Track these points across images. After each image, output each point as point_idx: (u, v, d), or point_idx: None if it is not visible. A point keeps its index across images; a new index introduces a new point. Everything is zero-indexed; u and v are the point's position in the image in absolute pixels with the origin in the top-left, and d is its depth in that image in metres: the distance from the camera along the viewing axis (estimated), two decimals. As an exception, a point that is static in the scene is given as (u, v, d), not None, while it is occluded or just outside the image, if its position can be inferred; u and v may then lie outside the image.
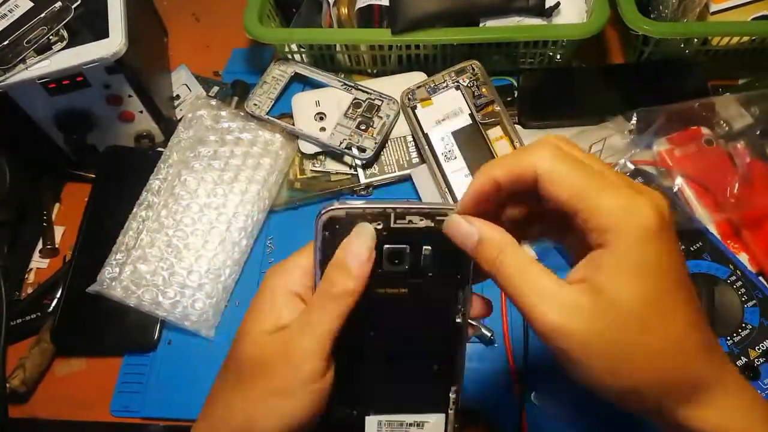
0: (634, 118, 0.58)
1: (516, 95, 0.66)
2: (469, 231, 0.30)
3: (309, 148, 0.64)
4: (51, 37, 0.54)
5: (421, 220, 0.32)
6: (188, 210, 0.60)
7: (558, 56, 0.67)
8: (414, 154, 0.64)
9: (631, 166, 0.56)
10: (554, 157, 0.29)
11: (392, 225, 0.32)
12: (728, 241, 0.54)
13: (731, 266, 0.51)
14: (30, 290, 0.61)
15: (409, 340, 0.34)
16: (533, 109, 0.65)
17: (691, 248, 0.52)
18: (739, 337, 0.48)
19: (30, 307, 0.59)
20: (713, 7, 0.64)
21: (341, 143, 0.63)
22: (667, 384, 0.28)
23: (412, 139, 0.64)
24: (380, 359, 0.34)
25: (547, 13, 0.64)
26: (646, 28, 0.61)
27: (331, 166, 0.64)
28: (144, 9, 0.70)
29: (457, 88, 0.63)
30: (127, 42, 0.55)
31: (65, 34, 0.54)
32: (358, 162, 0.63)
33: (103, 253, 0.58)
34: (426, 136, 0.62)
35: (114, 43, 0.55)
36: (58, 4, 0.55)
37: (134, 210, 0.60)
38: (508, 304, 0.54)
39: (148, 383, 0.55)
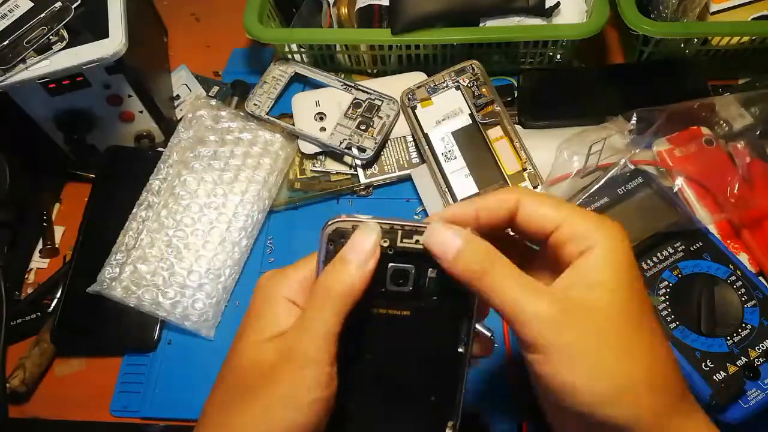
0: (634, 118, 0.58)
1: (516, 95, 0.66)
2: (451, 236, 0.30)
3: (309, 148, 0.64)
4: (51, 37, 0.54)
5: None
6: (188, 210, 0.60)
7: (558, 56, 0.67)
8: (414, 154, 0.64)
9: (631, 166, 0.56)
10: (531, 191, 0.32)
11: (399, 243, 0.31)
12: (728, 241, 0.54)
13: (731, 266, 0.51)
14: (30, 290, 0.61)
15: (408, 366, 0.33)
16: (533, 109, 0.65)
17: (691, 248, 0.52)
18: (739, 337, 0.48)
19: (30, 307, 0.59)
20: (713, 7, 0.64)
21: (341, 143, 0.63)
22: (639, 400, 0.27)
23: (412, 139, 0.64)
24: (376, 384, 0.33)
25: (547, 13, 0.64)
26: (646, 28, 0.61)
27: (331, 166, 0.64)
28: (144, 9, 0.70)
29: (457, 88, 0.63)
30: (127, 42, 0.55)
31: (65, 34, 0.54)
32: (358, 162, 0.63)
33: (103, 253, 0.58)
34: (426, 136, 0.62)
35: (114, 43, 0.55)
36: (58, 4, 0.55)
37: (134, 210, 0.60)
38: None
39: (148, 383, 0.55)
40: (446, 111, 0.63)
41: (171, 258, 0.58)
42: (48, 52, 0.54)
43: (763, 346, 0.48)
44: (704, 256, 0.52)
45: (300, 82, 0.70)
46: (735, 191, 0.54)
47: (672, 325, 0.49)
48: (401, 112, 0.64)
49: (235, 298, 0.59)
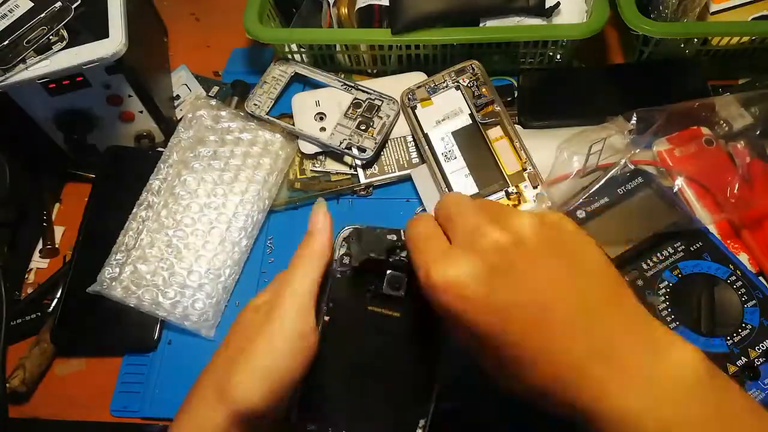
0: (634, 118, 0.58)
1: (516, 95, 0.66)
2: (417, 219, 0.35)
3: (309, 148, 0.64)
4: (51, 37, 0.54)
5: None
6: (188, 210, 0.60)
7: (558, 56, 0.67)
8: (414, 154, 0.64)
9: (631, 166, 0.56)
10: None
11: (396, 255, 0.37)
12: (728, 241, 0.54)
13: (731, 266, 0.51)
14: (30, 290, 0.61)
15: (391, 361, 0.37)
16: (533, 109, 0.65)
17: (691, 248, 0.52)
18: (739, 337, 0.48)
19: (30, 307, 0.59)
20: (713, 7, 0.64)
21: (341, 143, 0.63)
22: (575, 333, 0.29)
23: (412, 139, 0.64)
24: (359, 371, 0.36)
25: (547, 13, 0.64)
26: (646, 28, 0.61)
27: (331, 166, 0.64)
28: (144, 9, 0.70)
29: (457, 88, 0.63)
30: (127, 42, 0.55)
31: (65, 34, 0.54)
32: (358, 162, 0.63)
33: (103, 253, 0.58)
34: (426, 136, 0.62)
35: (114, 43, 0.55)
36: (58, 4, 0.55)
37: (134, 210, 0.60)
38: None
39: (148, 383, 0.55)
40: (446, 111, 0.63)
41: (171, 258, 0.58)
42: (48, 52, 0.54)
43: (763, 346, 0.48)
44: (704, 256, 0.52)
45: (300, 82, 0.70)
46: (735, 191, 0.54)
47: (672, 325, 0.49)
48: (401, 112, 0.64)
49: (235, 298, 0.59)
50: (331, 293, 0.38)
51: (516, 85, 0.67)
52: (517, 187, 0.58)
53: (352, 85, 0.67)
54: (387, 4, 0.65)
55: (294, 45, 0.69)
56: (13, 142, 0.62)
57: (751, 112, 0.59)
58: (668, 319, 0.49)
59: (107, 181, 0.64)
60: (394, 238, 0.37)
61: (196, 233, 0.60)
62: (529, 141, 0.60)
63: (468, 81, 0.64)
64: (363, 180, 0.63)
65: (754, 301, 0.49)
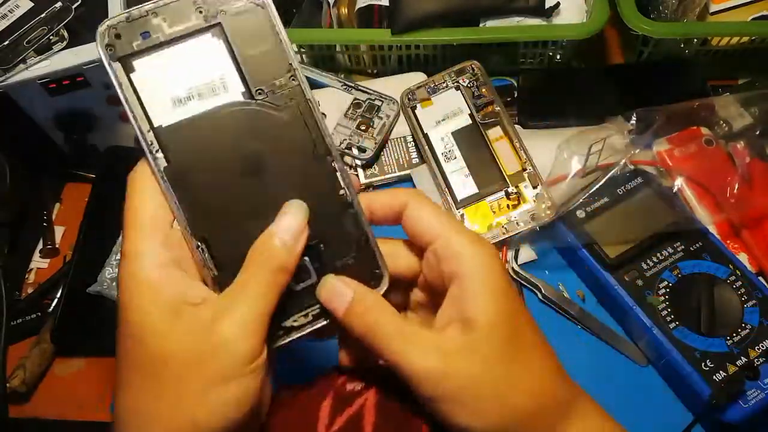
0: (634, 118, 0.58)
1: (516, 95, 0.66)
2: (343, 291, 0.30)
3: (309, 148, 0.64)
4: (51, 37, 0.54)
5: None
6: (188, 210, 0.60)
7: (558, 56, 0.67)
8: (414, 154, 0.64)
9: (631, 167, 0.56)
10: (420, 195, 0.33)
11: None
12: (728, 241, 0.54)
13: (731, 266, 0.51)
14: (30, 290, 0.61)
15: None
16: (533, 109, 0.65)
17: (691, 248, 0.52)
18: (738, 337, 0.48)
19: (30, 307, 0.59)
20: (713, 8, 0.64)
21: (341, 143, 0.63)
22: (544, 406, 0.29)
23: (412, 139, 0.64)
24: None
25: (547, 13, 0.64)
26: (645, 29, 0.61)
27: (331, 166, 0.64)
28: (144, 9, 0.70)
29: (457, 88, 0.63)
30: (128, 42, 0.55)
31: (65, 34, 0.54)
32: (358, 162, 0.63)
33: (103, 253, 0.58)
34: (426, 136, 0.62)
35: (114, 43, 0.55)
36: (59, 4, 0.55)
37: (134, 210, 0.60)
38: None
39: (148, 383, 0.55)
40: (446, 111, 0.63)
41: (171, 258, 0.58)
42: (48, 52, 0.54)
43: (762, 346, 0.48)
44: (704, 256, 0.52)
45: (300, 82, 0.70)
46: (735, 191, 0.54)
47: (672, 325, 0.49)
48: (401, 112, 0.64)
49: (235, 298, 0.58)
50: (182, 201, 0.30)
51: (516, 85, 0.67)
52: (517, 187, 0.58)
53: (352, 85, 0.67)
54: (387, 4, 0.65)
55: (294, 45, 0.69)
56: (13, 142, 0.62)
57: (751, 112, 0.59)
58: (668, 319, 0.49)
59: (107, 181, 0.64)
60: None
61: (196, 233, 0.59)
62: (529, 141, 0.60)
63: (468, 81, 0.64)
64: (363, 180, 0.63)
65: (753, 301, 0.49)
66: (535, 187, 0.58)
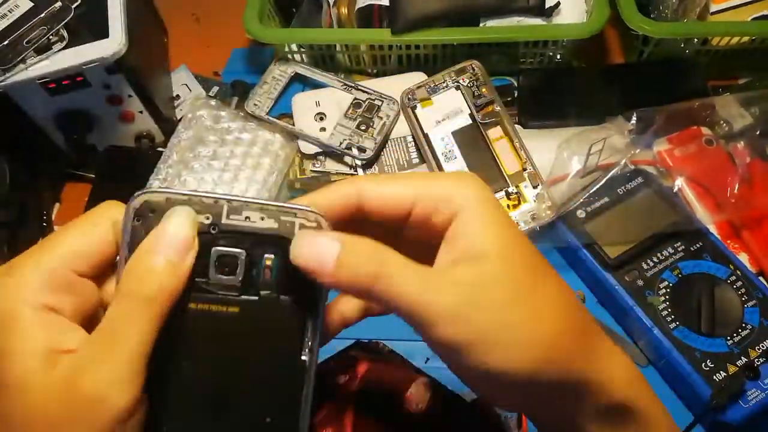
0: (634, 118, 0.58)
1: (516, 95, 0.66)
2: (325, 241, 0.25)
3: (309, 149, 0.64)
4: (51, 37, 0.54)
5: (263, 219, 0.25)
6: (188, 210, 0.60)
7: (558, 56, 0.67)
8: (414, 154, 0.64)
9: (631, 166, 0.56)
10: (371, 176, 0.29)
11: (224, 220, 0.25)
12: (728, 241, 0.54)
13: (731, 266, 0.51)
14: (30, 290, 0.61)
15: (238, 378, 0.26)
16: (533, 109, 0.65)
17: (691, 248, 0.52)
18: (739, 337, 0.48)
19: (30, 307, 0.59)
20: (713, 7, 0.64)
21: (341, 143, 0.63)
22: (568, 336, 0.26)
23: (412, 139, 0.64)
24: (198, 403, 0.25)
25: (547, 13, 0.64)
26: (646, 28, 0.61)
27: (331, 166, 0.64)
28: (144, 9, 0.70)
29: (457, 88, 0.63)
30: (127, 42, 0.55)
31: (65, 34, 0.54)
32: (358, 162, 0.63)
33: (103, 253, 0.58)
34: (426, 136, 0.62)
35: (114, 43, 0.55)
36: (58, 4, 0.55)
37: (134, 210, 0.60)
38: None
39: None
40: (446, 111, 0.63)
41: (171, 258, 0.58)
42: (48, 52, 0.54)
43: (763, 346, 0.48)
44: (704, 256, 0.52)
45: (300, 82, 0.70)
46: (735, 191, 0.54)
47: (672, 325, 0.49)
48: (401, 112, 0.64)
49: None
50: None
51: (516, 85, 0.67)
52: (517, 187, 0.58)
53: (352, 85, 0.67)
54: (387, 3, 0.65)
55: (294, 45, 0.69)
56: (13, 142, 0.62)
57: (751, 112, 0.59)
58: (668, 319, 0.49)
59: (107, 182, 0.64)
60: (207, 217, 0.25)
61: (196, 233, 0.59)
62: (529, 141, 0.60)
63: (468, 81, 0.64)
64: (363, 180, 0.62)
65: (754, 301, 0.49)
66: (535, 187, 0.58)
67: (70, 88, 0.57)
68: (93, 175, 0.65)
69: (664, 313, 0.49)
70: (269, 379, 0.26)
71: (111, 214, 0.26)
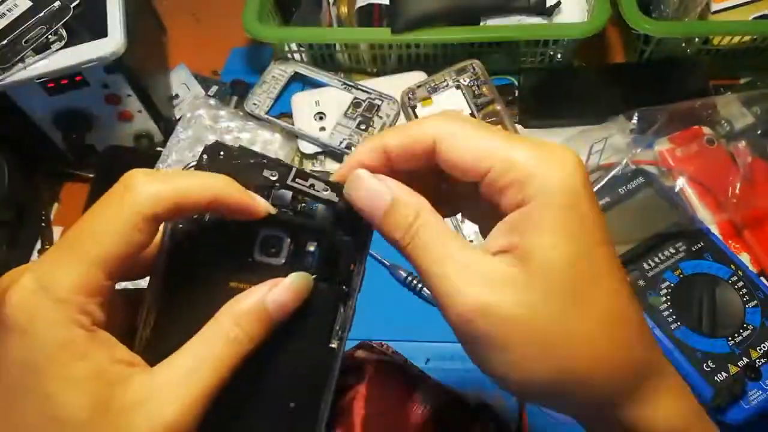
0: (635, 118, 0.58)
1: (517, 95, 0.66)
2: (380, 189, 0.25)
3: (309, 148, 0.64)
4: (50, 37, 0.54)
5: (326, 191, 0.27)
6: (187, 210, 0.60)
7: (559, 56, 0.67)
8: (414, 154, 0.63)
9: (633, 166, 0.56)
10: (453, 119, 0.25)
11: (289, 182, 0.26)
12: (730, 241, 0.54)
13: (733, 266, 0.51)
14: (29, 290, 0.61)
15: (266, 361, 0.25)
16: (534, 108, 0.65)
17: (693, 248, 0.52)
18: (740, 338, 0.48)
19: (29, 307, 0.59)
20: (714, 7, 0.64)
21: (341, 143, 0.63)
22: (608, 366, 0.23)
23: (412, 138, 0.64)
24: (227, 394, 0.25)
25: (548, 12, 0.64)
26: (647, 28, 0.61)
27: (331, 166, 0.64)
28: (143, 8, 0.70)
29: (458, 87, 0.63)
30: (126, 41, 0.55)
31: (64, 34, 0.54)
32: (358, 162, 0.62)
33: (102, 254, 0.58)
34: (426, 135, 0.61)
35: (113, 42, 0.54)
36: (57, 4, 0.54)
37: (133, 210, 0.60)
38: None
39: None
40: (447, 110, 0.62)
41: (170, 258, 0.58)
42: (47, 52, 0.54)
43: (764, 347, 0.47)
44: (705, 256, 0.52)
45: (300, 81, 0.70)
46: (736, 191, 0.54)
47: (673, 326, 0.49)
48: (401, 111, 0.64)
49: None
50: (170, 263, 0.26)
51: (517, 84, 0.67)
52: (517, 186, 0.58)
53: (352, 84, 0.67)
54: (387, 2, 0.65)
55: (294, 44, 0.69)
56: (11, 142, 0.62)
57: (753, 111, 0.59)
58: (669, 319, 0.49)
59: (106, 181, 0.63)
60: (274, 174, 0.26)
61: (195, 233, 0.59)
62: (530, 141, 0.60)
63: (468, 80, 0.63)
64: (363, 180, 0.62)
65: (755, 302, 0.49)
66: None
67: (69, 88, 0.57)
68: (92, 175, 0.65)
69: (666, 313, 0.49)
70: (298, 364, 0.26)
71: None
